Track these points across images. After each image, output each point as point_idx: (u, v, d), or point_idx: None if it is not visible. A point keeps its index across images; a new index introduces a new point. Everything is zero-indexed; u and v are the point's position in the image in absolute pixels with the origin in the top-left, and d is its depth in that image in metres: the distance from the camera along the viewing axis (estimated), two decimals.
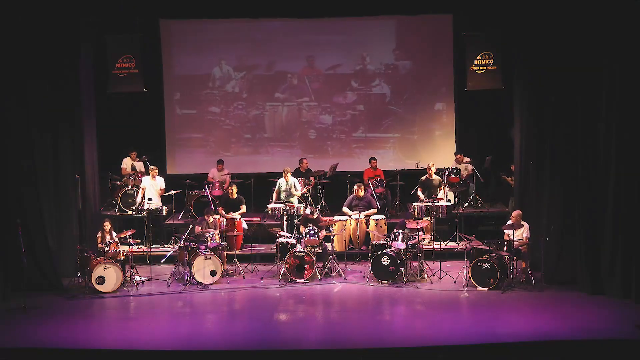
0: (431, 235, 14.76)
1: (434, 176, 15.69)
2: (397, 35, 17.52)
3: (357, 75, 17.61)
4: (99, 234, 13.74)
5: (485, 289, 12.87)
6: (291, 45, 17.49)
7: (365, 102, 17.68)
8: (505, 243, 13.05)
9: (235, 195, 15.33)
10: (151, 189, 15.32)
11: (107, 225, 13.73)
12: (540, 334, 10.77)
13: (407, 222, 13.95)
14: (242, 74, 17.61)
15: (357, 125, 17.77)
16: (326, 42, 17.48)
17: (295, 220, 14.88)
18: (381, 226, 14.91)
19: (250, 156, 17.64)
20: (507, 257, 13.02)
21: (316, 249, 13.85)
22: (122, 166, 16.77)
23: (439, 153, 17.35)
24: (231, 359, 10.47)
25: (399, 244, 13.36)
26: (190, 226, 14.64)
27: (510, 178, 16.38)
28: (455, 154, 16.87)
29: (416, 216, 14.62)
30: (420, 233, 13.71)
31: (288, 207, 14.92)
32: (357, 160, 17.42)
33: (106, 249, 13.14)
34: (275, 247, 14.41)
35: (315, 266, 13.57)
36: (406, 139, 17.77)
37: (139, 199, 15.50)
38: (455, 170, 15.95)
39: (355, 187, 15.32)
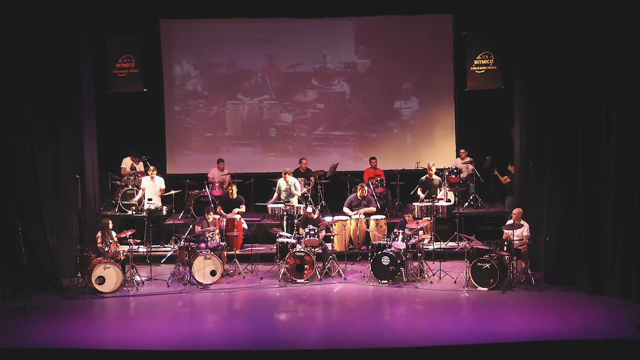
0: (431, 235, 14.76)
1: (434, 176, 15.69)
2: (357, 35, 17.51)
3: (318, 73, 17.63)
4: (99, 234, 13.73)
5: (485, 289, 12.87)
6: (251, 43, 17.49)
7: (326, 100, 17.71)
8: (505, 243, 13.05)
9: (235, 195, 15.32)
10: (151, 189, 15.31)
11: (110, 223, 13.73)
12: (540, 334, 10.77)
13: (406, 217, 13.97)
14: (198, 72, 17.67)
15: (318, 123, 17.81)
16: (286, 41, 17.50)
17: (295, 221, 14.88)
18: (381, 226, 14.91)
19: (211, 154, 17.60)
20: (507, 257, 13.03)
21: (316, 249, 13.85)
22: (122, 166, 16.77)
23: (440, 153, 17.35)
24: (231, 359, 10.47)
25: (399, 244, 13.36)
26: (190, 226, 14.64)
27: (504, 177, 16.41)
28: (459, 149, 16.94)
29: (416, 216, 14.62)
30: (421, 233, 13.72)
31: (288, 207, 14.92)
32: (319, 158, 17.45)
33: (106, 249, 13.15)
34: (275, 247, 14.41)
35: (315, 266, 13.57)
36: (365, 137, 17.84)
37: (137, 199, 15.48)
38: (455, 170, 15.96)
39: (358, 187, 15.33)
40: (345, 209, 15.35)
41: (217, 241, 13.68)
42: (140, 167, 16.69)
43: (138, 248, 14.27)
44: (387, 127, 17.81)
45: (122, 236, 13.70)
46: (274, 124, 17.81)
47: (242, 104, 17.75)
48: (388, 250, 13.44)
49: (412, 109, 17.73)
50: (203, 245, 13.42)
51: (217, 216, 14.75)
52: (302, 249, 13.55)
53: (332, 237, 14.39)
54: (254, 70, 17.62)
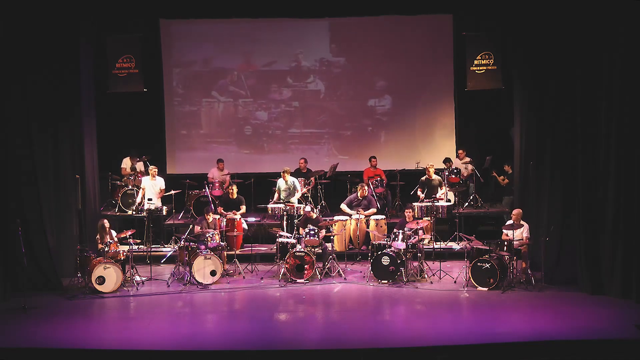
0: (431, 235, 14.76)
1: (434, 176, 15.70)
2: (332, 34, 17.54)
3: (292, 71, 17.69)
4: (98, 236, 13.69)
5: (485, 289, 12.87)
6: (229, 41, 17.58)
7: (300, 98, 17.77)
8: (505, 243, 13.05)
9: (235, 195, 15.32)
10: (151, 189, 15.31)
11: (107, 223, 13.72)
12: (540, 334, 10.78)
13: (407, 212, 13.97)
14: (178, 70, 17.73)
15: (293, 121, 17.85)
16: (264, 39, 17.54)
17: (295, 221, 14.88)
18: (381, 226, 14.91)
19: (186, 152, 17.81)
20: (507, 257, 13.03)
21: (316, 249, 13.85)
22: (122, 166, 16.77)
23: (440, 153, 17.32)
24: (231, 359, 10.47)
25: (399, 244, 13.36)
26: (190, 226, 14.64)
27: (501, 177, 16.41)
28: (457, 150, 16.93)
29: (416, 216, 14.62)
30: (421, 233, 13.72)
31: (288, 207, 14.92)
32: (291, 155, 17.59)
33: (106, 249, 13.14)
34: (275, 247, 14.41)
35: (315, 266, 13.57)
36: (339, 135, 17.89)
37: (138, 199, 15.49)
38: (455, 170, 15.96)
39: (359, 187, 15.33)
40: (344, 207, 15.32)
41: (217, 241, 13.67)
42: (140, 167, 16.69)
43: (138, 248, 14.26)
44: (361, 125, 17.89)
45: (122, 236, 13.70)
46: (249, 122, 17.86)
47: (217, 102, 17.78)
48: (388, 250, 13.44)
49: (385, 107, 17.80)
50: (203, 247, 13.42)
51: (217, 216, 14.74)
52: (302, 249, 13.55)
53: (332, 237, 14.39)
54: (229, 68, 17.68)
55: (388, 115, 17.79)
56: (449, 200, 15.29)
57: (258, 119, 17.86)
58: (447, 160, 16.55)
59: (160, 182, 15.48)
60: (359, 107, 17.82)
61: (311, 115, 17.85)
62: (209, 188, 15.60)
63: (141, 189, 15.47)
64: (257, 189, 16.51)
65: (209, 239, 13.51)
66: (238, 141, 17.88)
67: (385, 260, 13.34)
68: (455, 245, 15.07)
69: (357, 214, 14.86)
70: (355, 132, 17.90)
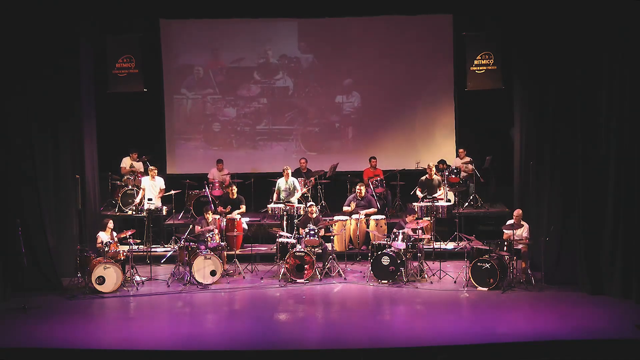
0: (431, 235, 14.76)
1: (434, 176, 15.70)
2: (300, 31, 17.58)
3: (261, 68, 17.69)
4: (100, 234, 13.69)
5: (485, 289, 12.88)
6: (197, 39, 17.60)
7: (269, 95, 17.78)
8: (505, 243, 13.06)
9: (235, 195, 15.33)
10: (151, 189, 15.31)
11: (111, 224, 13.72)
12: (540, 334, 10.78)
13: (407, 219, 13.95)
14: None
15: (261, 117, 17.87)
16: (232, 37, 17.58)
17: (295, 221, 14.88)
18: (381, 226, 14.91)
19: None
20: (507, 257, 13.03)
21: (316, 249, 13.85)
22: (121, 166, 16.77)
23: (440, 153, 17.31)
24: (231, 359, 10.47)
25: (399, 244, 13.36)
26: (190, 226, 14.64)
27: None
28: (458, 149, 16.95)
29: (416, 216, 14.61)
30: (420, 232, 13.72)
31: (288, 207, 14.92)
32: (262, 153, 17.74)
33: (106, 249, 13.14)
34: (275, 247, 14.41)
35: (315, 266, 13.57)
36: (308, 131, 17.91)
37: (138, 200, 15.49)
38: (455, 170, 15.96)
39: (357, 187, 15.33)
40: (346, 208, 15.33)
41: (217, 241, 13.68)
42: (139, 166, 16.69)
43: (138, 248, 14.26)
44: (329, 122, 17.89)
45: (122, 236, 13.70)
46: (218, 119, 17.84)
47: (185, 99, 17.77)
48: (388, 250, 13.44)
49: (353, 103, 17.79)
50: (203, 247, 13.42)
51: (217, 216, 14.74)
52: (302, 249, 13.55)
53: (332, 237, 14.38)
54: (198, 64, 17.64)
55: (356, 112, 17.78)
56: (449, 200, 15.29)
57: (226, 115, 17.84)
58: (441, 162, 16.56)
59: (160, 182, 15.48)
60: (326, 104, 17.79)
61: (280, 111, 17.83)
62: (209, 188, 15.60)
63: (141, 189, 15.46)
64: (257, 188, 16.50)
65: (209, 238, 13.51)
66: (206, 138, 17.86)
67: (385, 260, 13.34)
68: (451, 245, 15.07)
69: (357, 213, 14.87)
70: (322, 129, 17.88)
